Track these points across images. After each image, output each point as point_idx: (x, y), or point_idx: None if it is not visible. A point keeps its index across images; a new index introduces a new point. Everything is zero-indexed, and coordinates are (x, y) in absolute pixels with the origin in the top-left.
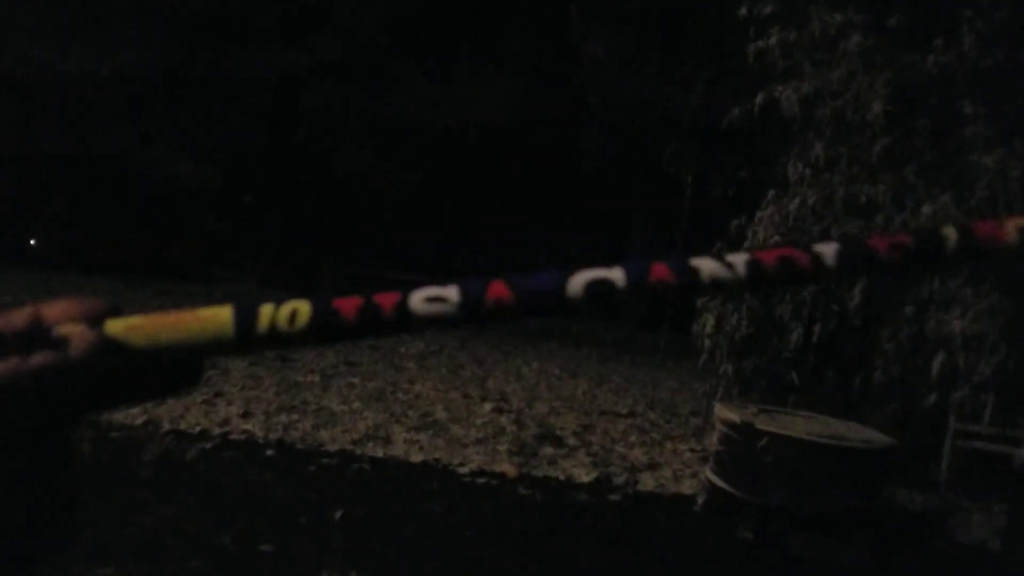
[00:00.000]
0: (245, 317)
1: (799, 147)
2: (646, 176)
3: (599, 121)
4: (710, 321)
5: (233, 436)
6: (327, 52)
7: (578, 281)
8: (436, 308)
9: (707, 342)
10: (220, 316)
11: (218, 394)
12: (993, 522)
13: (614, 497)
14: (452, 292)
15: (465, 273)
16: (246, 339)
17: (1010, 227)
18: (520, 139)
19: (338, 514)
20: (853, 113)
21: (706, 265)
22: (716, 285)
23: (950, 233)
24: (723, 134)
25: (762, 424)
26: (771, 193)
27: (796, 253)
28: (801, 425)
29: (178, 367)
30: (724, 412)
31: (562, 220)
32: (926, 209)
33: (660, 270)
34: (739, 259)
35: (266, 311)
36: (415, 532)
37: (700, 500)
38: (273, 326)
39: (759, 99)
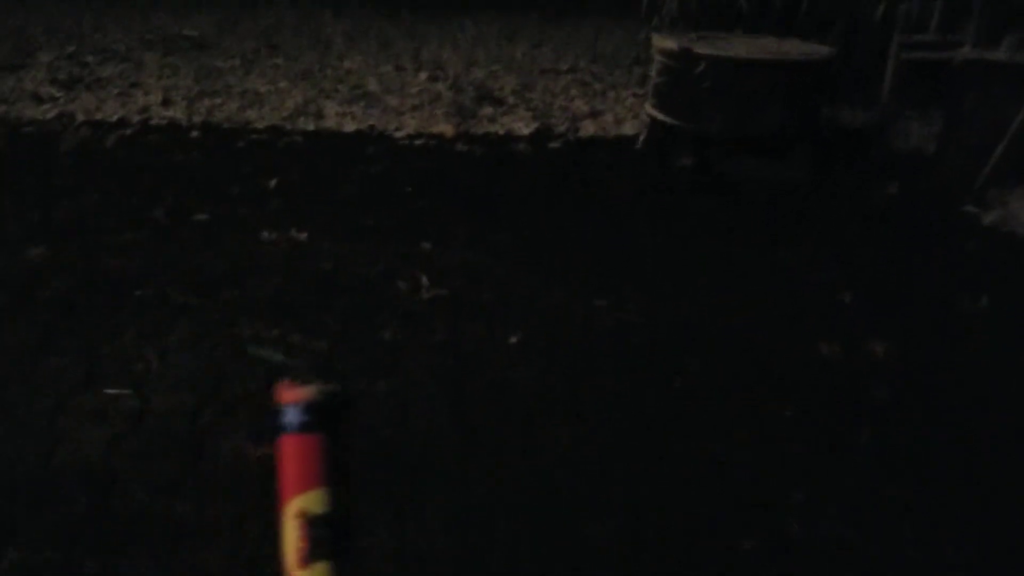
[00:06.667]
0: None
1: None
2: None
3: None
4: None
5: (154, 122)
6: None
7: None
8: None
9: None
10: None
11: (133, 85)
12: (930, 127)
13: (555, 145)
14: None
15: None
16: None
17: None
18: None
19: (272, 182)
20: None
21: None
22: None
23: None
24: None
25: (700, 48)
26: None
27: None
28: (741, 46)
29: None
30: (661, 41)
31: None
32: None
33: None
34: None
35: None
36: (353, 192)
37: (641, 137)
38: None
39: None
